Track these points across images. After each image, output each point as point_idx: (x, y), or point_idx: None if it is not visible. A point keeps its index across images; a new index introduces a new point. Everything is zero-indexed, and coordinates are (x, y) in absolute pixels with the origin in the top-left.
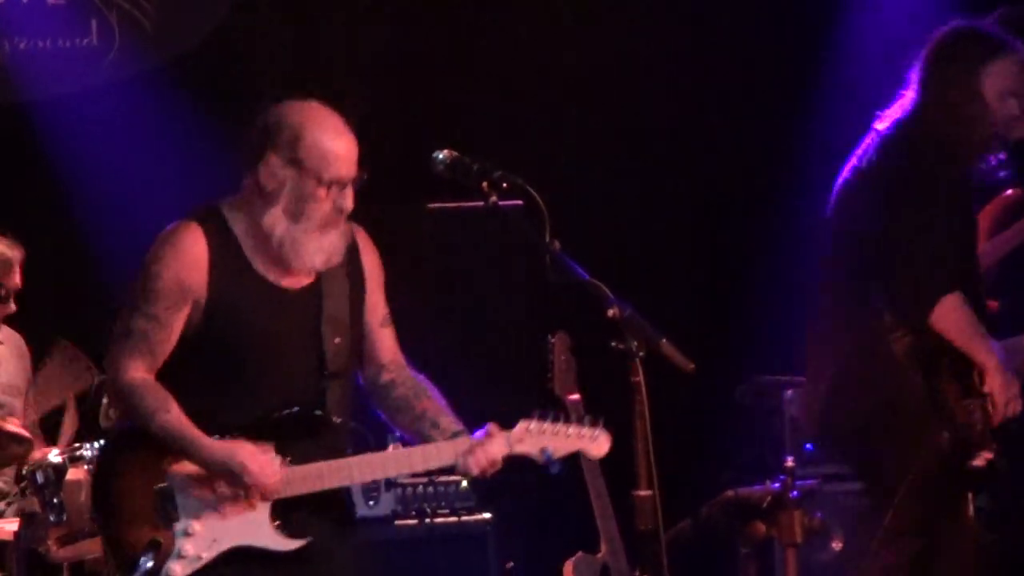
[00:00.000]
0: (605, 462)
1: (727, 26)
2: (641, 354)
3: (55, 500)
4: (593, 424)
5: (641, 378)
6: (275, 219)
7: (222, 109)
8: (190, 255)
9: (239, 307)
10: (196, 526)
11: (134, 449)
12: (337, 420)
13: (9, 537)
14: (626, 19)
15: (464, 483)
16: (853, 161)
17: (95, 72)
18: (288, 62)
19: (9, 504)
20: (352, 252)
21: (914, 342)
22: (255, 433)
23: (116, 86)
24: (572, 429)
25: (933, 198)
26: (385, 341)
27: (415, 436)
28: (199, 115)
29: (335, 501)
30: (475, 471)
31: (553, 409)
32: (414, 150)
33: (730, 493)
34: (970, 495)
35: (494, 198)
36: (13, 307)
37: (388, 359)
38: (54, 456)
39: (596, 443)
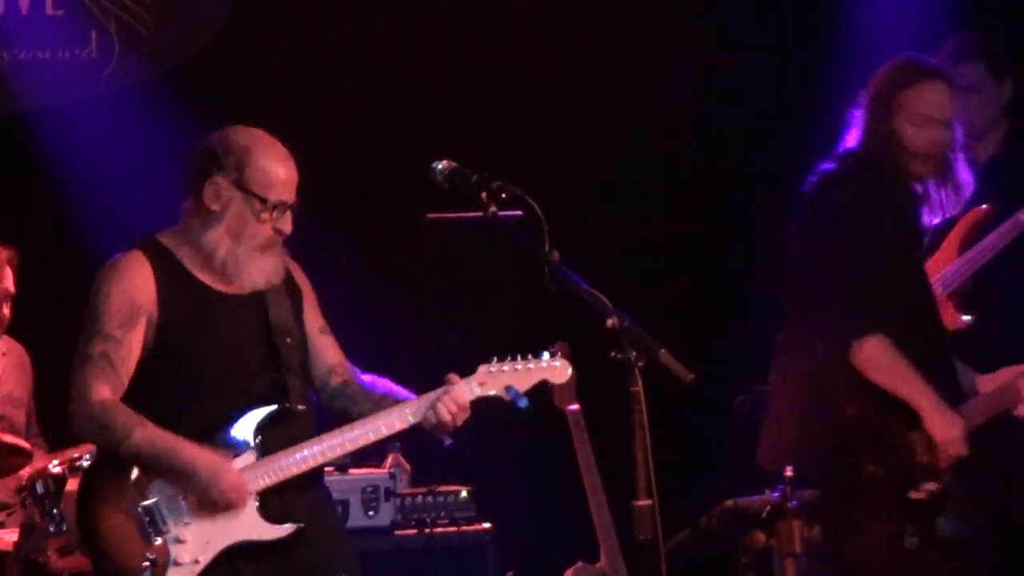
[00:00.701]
0: (605, 472)
1: (727, 35)
2: (640, 364)
3: (55, 511)
4: (552, 353)
5: (640, 388)
6: (218, 238)
7: (221, 119)
8: (135, 273)
9: (190, 316)
10: (186, 532)
11: (111, 477)
12: (301, 407)
13: (9, 548)
14: (626, 28)
15: (464, 493)
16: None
17: (94, 82)
18: (286, 73)
19: (9, 515)
20: (287, 277)
21: (850, 374)
22: (226, 435)
23: (115, 96)
24: (532, 362)
25: (866, 234)
26: (328, 346)
27: None
28: (198, 125)
29: (311, 483)
30: (446, 417)
31: (516, 356)
32: (413, 160)
33: (729, 503)
34: (910, 526)
35: (493, 208)
36: (6, 311)
37: (335, 362)
38: (54, 467)
39: (557, 370)
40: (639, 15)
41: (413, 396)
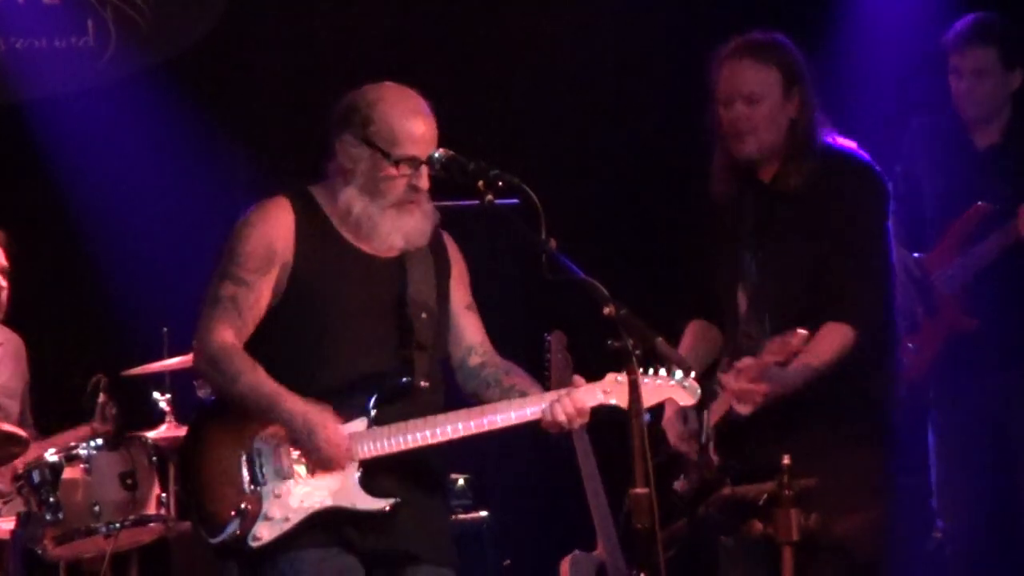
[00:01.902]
0: (602, 460)
1: (725, 23)
2: (637, 352)
3: (51, 499)
4: (684, 372)
5: (637, 376)
6: (351, 197)
7: (218, 108)
8: (277, 220)
9: (324, 269)
10: (283, 488)
11: (221, 420)
12: (424, 384)
13: (6, 536)
14: (623, 17)
15: (461, 481)
16: None
17: (91, 72)
18: (284, 61)
19: (6, 503)
20: (439, 247)
21: None
22: (342, 397)
23: (112, 85)
24: (661, 379)
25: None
26: (470, 323)
27: None
28: (195, 114)
29: (423, 465)
30: (562, 417)
31: (647, 368)
32: None
33: (726, 491)
34: None
35: (490, 197)
36: (3, 283)
37: (476, 341)
38: (50, 455)
39: (686, 391)
40: (636, 9)
41: (534, 385)
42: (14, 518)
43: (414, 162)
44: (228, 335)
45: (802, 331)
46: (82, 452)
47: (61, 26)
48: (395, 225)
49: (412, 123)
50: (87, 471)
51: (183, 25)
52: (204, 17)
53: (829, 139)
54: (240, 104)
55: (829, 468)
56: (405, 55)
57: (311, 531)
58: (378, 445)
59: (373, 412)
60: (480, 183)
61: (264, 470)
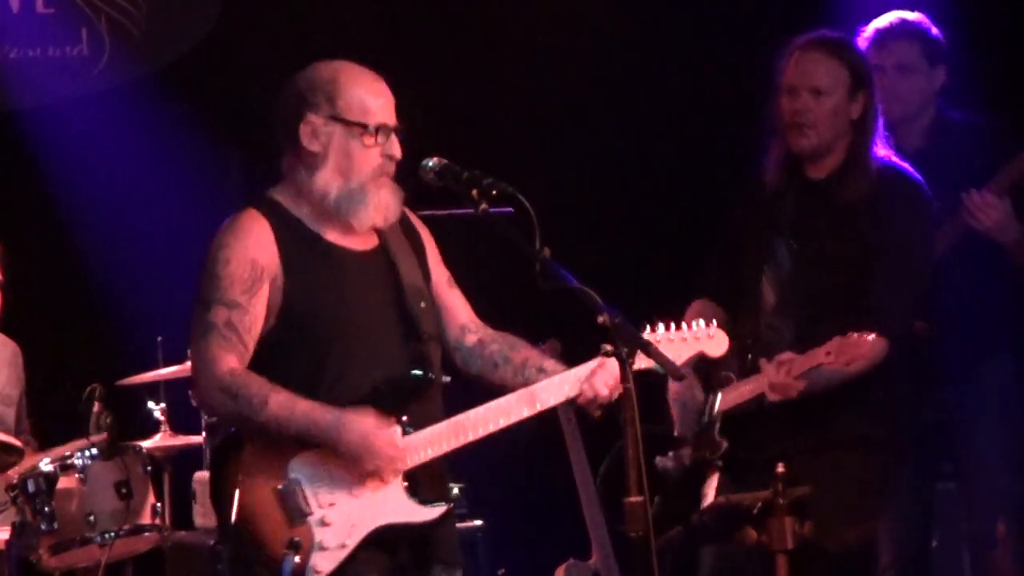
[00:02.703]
0: (596, 469)
1: (718, 33)
2: (631, 360)
3: (46, 509)
4: (708, 324)
5: (631, 384)
6: (327, 180)
7: (213, 116)
8: (255, 233)
9: (317, 276)
10: (332, 515)
11: (247, 455)
12: (446, 379)
13: (1, 546)
14: (616, 26)
15: (455, 490)
16: None
17: (86, 80)
18: (278, 69)
19: (1, 513)
20: (407, 225)
21: None
22: (367, 404)
23: (107, 94)
24: (688, 333)
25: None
26: (457, 301)
27: (522, 386)
28: (190, 122)
29: (438, 466)
30: (604, 391)
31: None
32: (403, 157)
33: (721, 499)
34: None
35: (484, 205)
36: None
37: (466, 318)
38: (45, 465)
39: (714, 342)
40: (630, 17)
41: (548, 358)
42: (9, 528)
43: (386, 129)
44: (233, 361)
45: (869, 337)
46: (77, 462)
47: (55, 35)
48: (375, 203)
49: (376, 90)
50: (82, 480)
51: (177, 33)
52: (197, 25)
53: (885, 154)
54: (234, 112)
55: (831, 473)
56: (401, 61)
57: (369, 552)
58: (421, 454)
59: (403, 418)
60: (474, 191)
61: (307, 499)
